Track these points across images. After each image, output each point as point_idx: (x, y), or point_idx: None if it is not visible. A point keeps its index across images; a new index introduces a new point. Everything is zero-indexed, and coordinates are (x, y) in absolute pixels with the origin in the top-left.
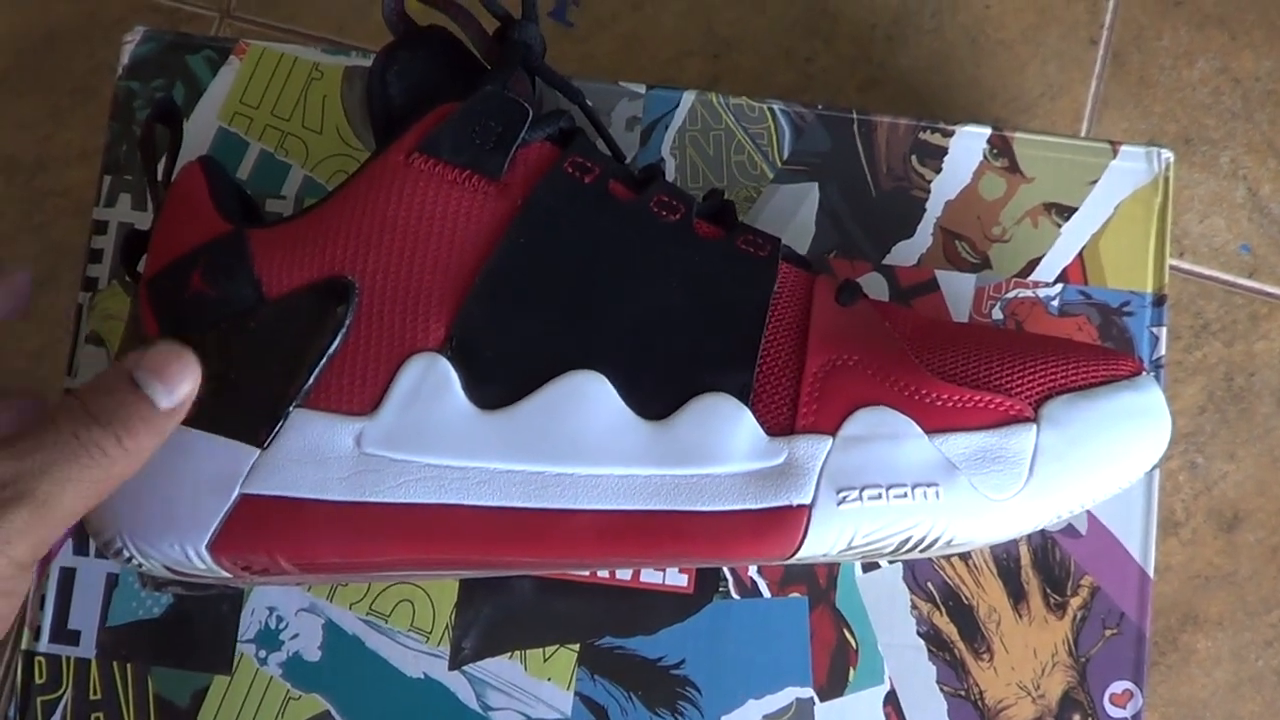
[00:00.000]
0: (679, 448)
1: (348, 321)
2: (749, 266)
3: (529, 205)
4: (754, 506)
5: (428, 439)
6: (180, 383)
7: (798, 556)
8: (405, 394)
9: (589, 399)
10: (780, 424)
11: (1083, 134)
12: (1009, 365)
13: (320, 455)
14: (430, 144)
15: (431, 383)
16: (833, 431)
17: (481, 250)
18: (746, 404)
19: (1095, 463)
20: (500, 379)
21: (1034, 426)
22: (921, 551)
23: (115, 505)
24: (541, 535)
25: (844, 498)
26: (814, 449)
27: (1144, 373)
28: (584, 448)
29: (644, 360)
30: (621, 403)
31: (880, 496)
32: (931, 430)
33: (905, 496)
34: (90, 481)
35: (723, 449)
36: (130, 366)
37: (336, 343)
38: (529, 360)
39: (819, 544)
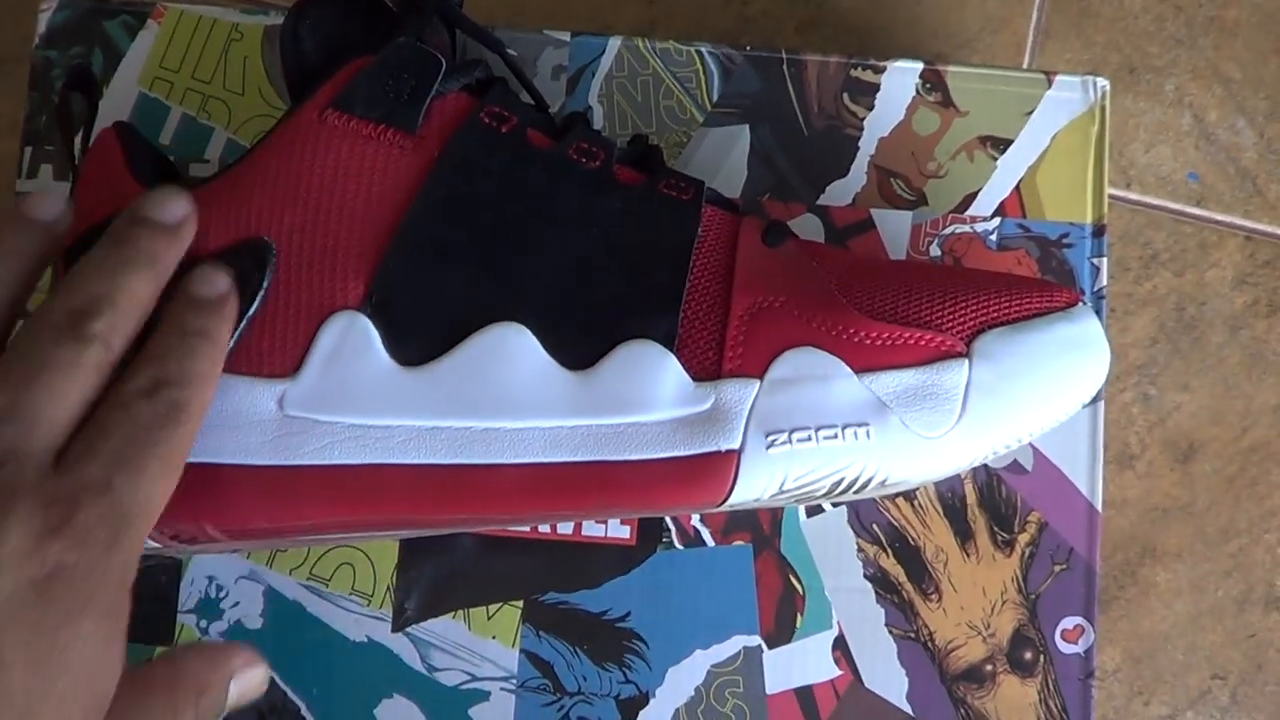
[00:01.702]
0: (604, 397)
1: (266, 283)
2: (671, 211)
3: (444, 157)
4: (682, 453)
5: (350, 399)
6: (250, 692)
7: (729, 503)
8: (326, 354)
9: (511, 352)
10: (706, 369)
11: (1024, 67)
12: (940, 301)
13: (242, 419)
14: (344, 99)
15: (352, 342)
16: (760, 375)
17: (399, 205)
18: (672, 350)
19: (1030, 396)
20: (421, 335)
21: (966, 361)
22: (856, 493)
23: None
24: (470, 491)
25: (773, 441)
26: (741, 393)
27: (1080, 303)
28: (508, 401)
29: (566, 310)
30: (545, 354)
31: (810, 439)
32: (861, 369)
33: (835, 438)
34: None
35: (649, 396)
36: (234, 673)
37: (255, 305)
38: (449, 315)
39: (749, 489)
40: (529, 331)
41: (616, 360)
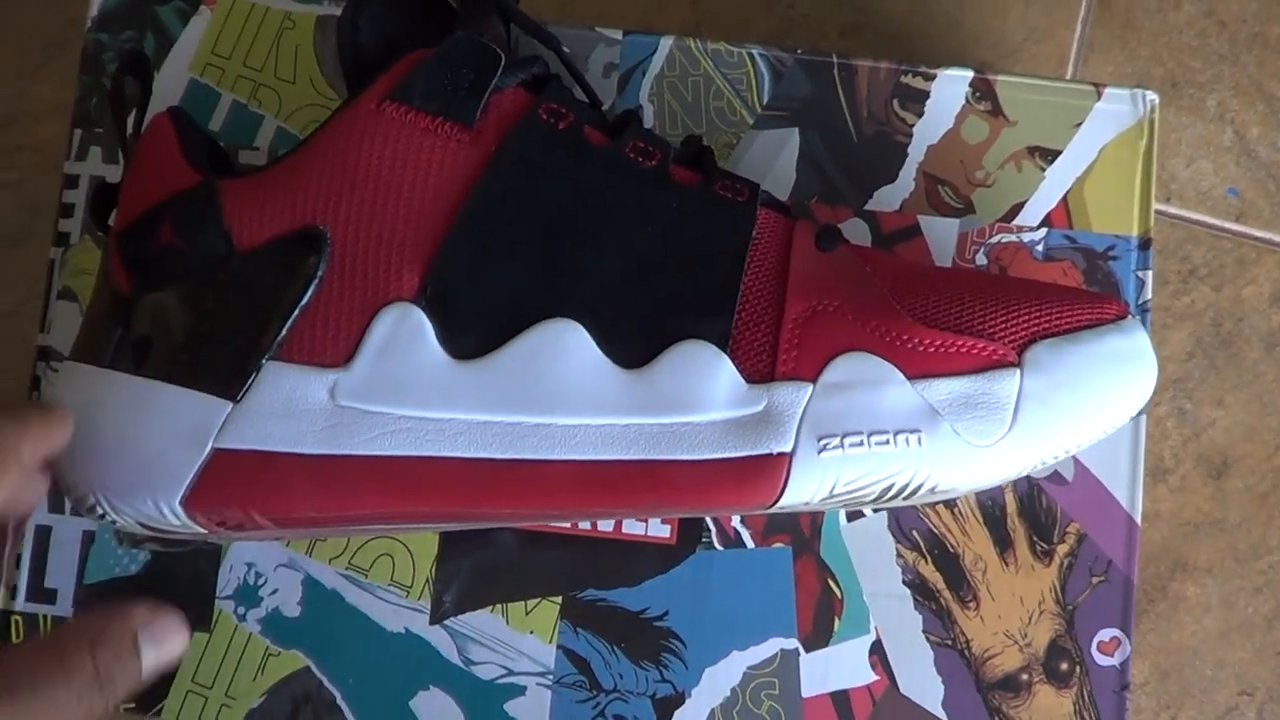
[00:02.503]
0: (657, 396)
1: (320, 272)
2: (727, 212)
3: (502, 152)
4: (734, 455)
5: (403, 390)
6: (172, 653)
7: (779, 505)
8: (379, 345)
9: (566, 348)
10: (760, 371)
11: (1068, 78)
12: (992, 310)
13: (294, 408)
14: (402, 91)
15: (405, 333)
16: (813, 378)
17: (455, 199)
18: (725, 351)
19: (1079, 407)
20: (475, 329)
21: (1018, 371)
22: (905, 499)
23: (88, 462)
24: (519, 486)
25: (825, 445)
26: (794, 396)
27: (1129, 316)
28: (561, 397)
29: (621, 308)
30: (599, 351)
31: (862, 444)
32: (913, 376)
33: (887, 444)
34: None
35: (702, 397)
36: (138, 624)
37: (309, 294)
38: (504, 309)
39: (800, 492)
40: (583, 329)
41: (670, 360)
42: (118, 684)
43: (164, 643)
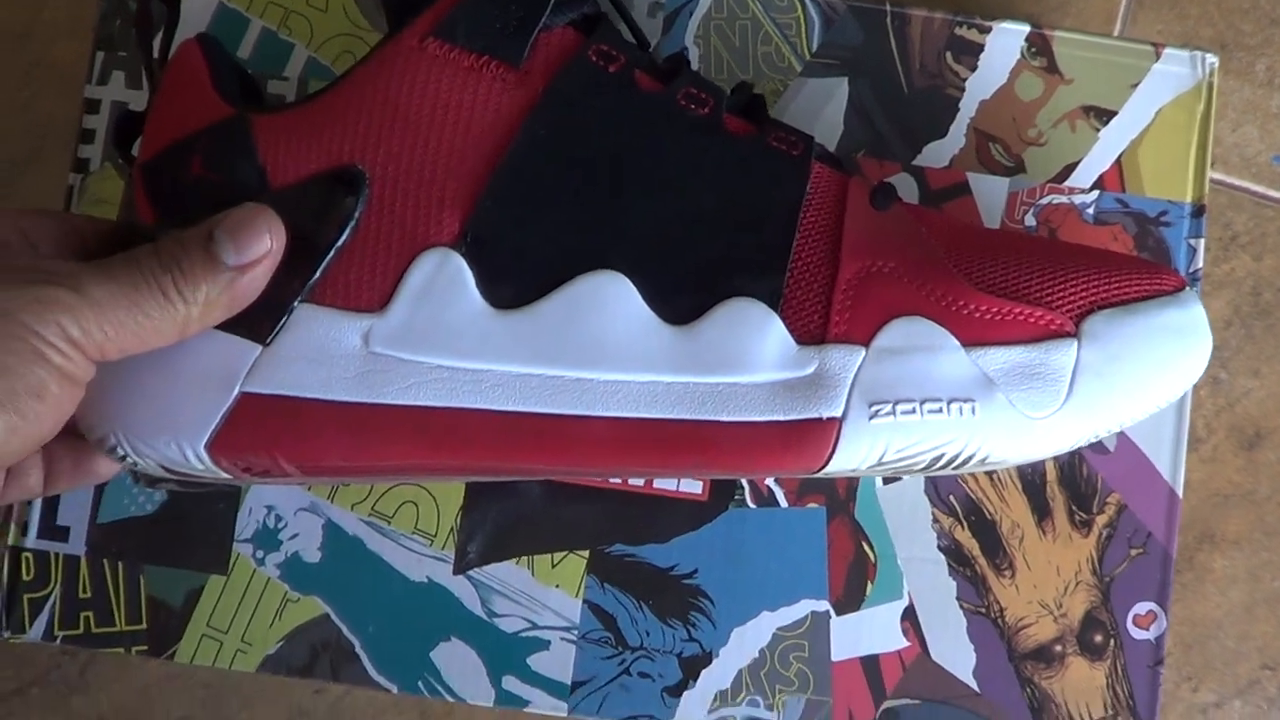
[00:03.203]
0: (704, 354)
1: (357, 213)
2: (781, 165)
3: (550, 94)
4: (782, 418)
5: (439, 339)
6: (251, 242)
7: (826, 470)
8: (416, 291)
9: (610, 301)
10: (811, 333)
11: (1115, 35)
12: (1050, 277)
13: (325, 353)
14: (446, 28)
15: (444, 280)
16: (866, 342)
17: (499, 141)
18: (776, 311)
19: (1136, 381)
20: (517, 277)
21: (1075, 342)
22: (955, 468)
23: (110, 401)
24: (557, 442)
25: (876, 411)
26: (846, 360)
27: (1187, 289)
28: (604, 351)
29: (669, 261)
30: (644, 306)
31: (914, 411)
32: (969, 343)
33: (940, 412)
34: (145, 311)
35: (750, 357)
36: (212, 221)
37: (345, 236)
38: (548, 258)
39: (848, 458)
40: (629, 281)
41: (719, 317)
42: (184, 265)
43: (238, 232)
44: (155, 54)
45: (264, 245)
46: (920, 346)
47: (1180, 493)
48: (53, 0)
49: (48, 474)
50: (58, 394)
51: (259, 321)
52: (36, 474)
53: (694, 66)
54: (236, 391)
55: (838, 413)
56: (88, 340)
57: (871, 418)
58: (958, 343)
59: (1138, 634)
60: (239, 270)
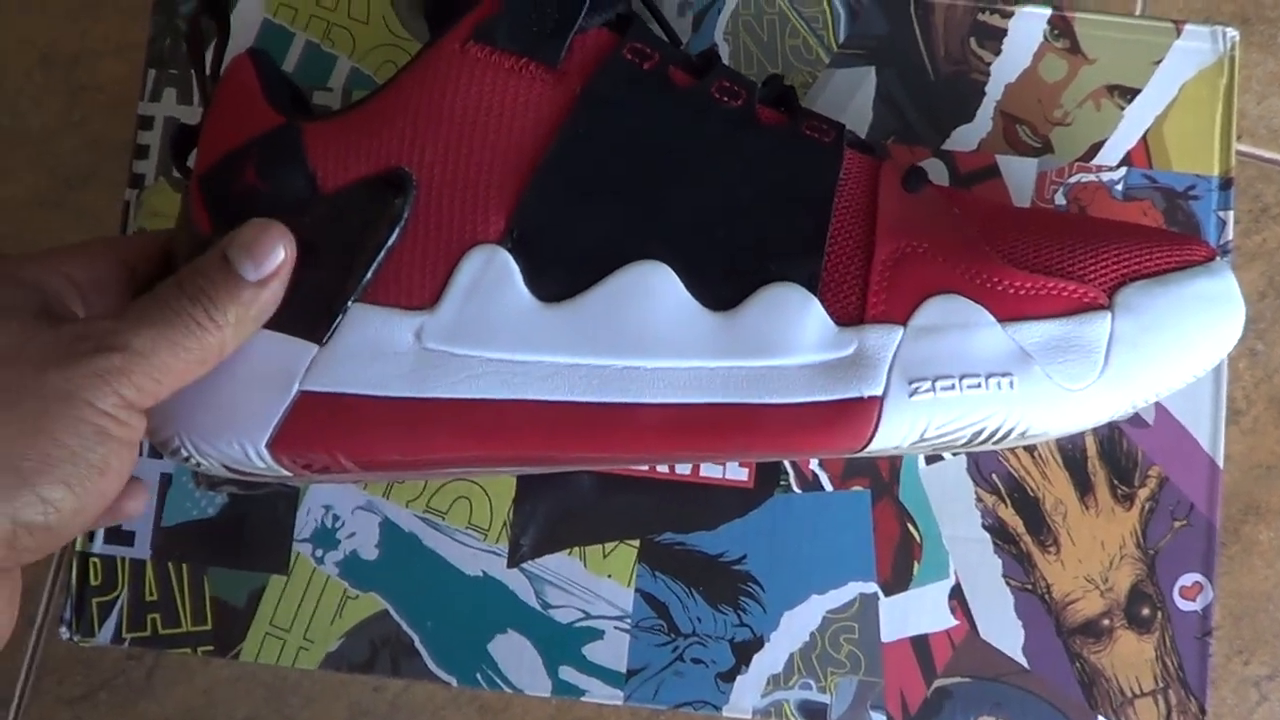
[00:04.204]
0: (746, 339)
1: (405, 214)
2: (814, 153)
3: (588, 93)
4: (824, 398)
5: (489, 333)
6: (267, 255)
7: (869, 449)
8: (465, 287)
9: (653, 290)
10: (849, 314)
11: (1137, 14)
12: (1082, 251)
13: (380, 351)
14: (485, 31)
15: (492, 275)
16: (903, 321)
17: (540, 139)
18: (815, 294)
19: (1171, 350)
20: (562, 271)
21: (1109, 314)
22: (995, 443)
23: (173, 403)
24: (607, 429)
25: (916, 388)
26: (885, 339)
27: (1217, 258)
28: (649, 340)
29: (709, 250)
30: (686, 293)
31: (953, 387)
32: (1005, 319)
33: (979, 387)
34: (185, 347)
35: (791, 340)
36: (224, 244)
37: (394, 236)
38: (591, 251)
39: (891, 436)
40: (671, 270)
41: (759, 302)
42: (209, 291)
43: (253, 248)
44: (207, 69)
45: (280, 255)
46: (957, 323)
47: (1221, 464)
48: (98, 24)
49: None
50: (118, 466)
51: (315, 322)
52: None
53: (725, 62)
54: (295, 390)
55: (878, 391)
56: (141, 396)
57: (911, 395)
58: (993, 318)
59: (1185, 605)
60: (260, 285)
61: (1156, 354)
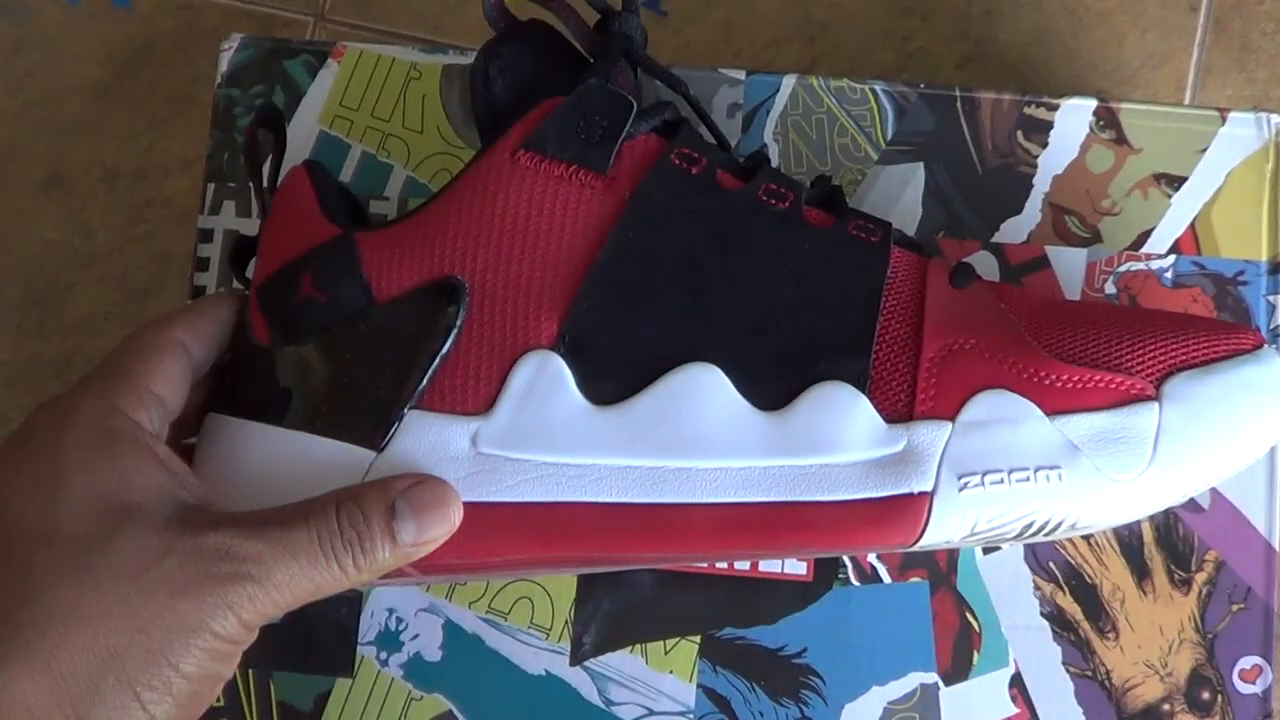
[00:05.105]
0: (797, 438)
1: (459, 322)
2: (861, 253)
3: (637, 198)
4: (875, 495)
5: (544, 437)
6: (432, 527)
7: (920, 544)
8: (519, 393)
9: (705, 392)
10: (898, 411)
11: (1186, 103)
12: (1128, 343)
13: (437, 456)
14: (536, 140)
15: (545, 381)
16: (952, 417)
17: (591, 245)
18: (864, 392)
19: (1220, 439)
20: (614, 374)
21: (1156, 405)
22: (1045, 535)
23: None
24: (661, 530)
25: (966, 483)
26: (934, 435)
27: (1265, 345)
28: (701, 441)
29: (759, 351)
30: (737, 394)
31: (1002, 481)
32: (1052, 412)
33: (1027, 480)
34: (318, 584)
35: (841, 438)
36: (395, 493)
37: (449, 343)
38: (643, 355)
39: (942, 531)
40: (721, 372)
41: (809, 401)
42: (366, 546)
43: (424, 514)
44: (265, 182)
45: (445, 528)
46: (1004, 418)
47: (1277, 546)
48: (163, 139)
49: None
50: (225, 675)
51: (373, 429)
52: None
53: (774, 162)
54: None
55: (928, 486)
56: (262, 620)
57: (961, 489)
58: (1041, 412)
59: (1245, 688)
60: (415, 548)
61: (1205, 444)
